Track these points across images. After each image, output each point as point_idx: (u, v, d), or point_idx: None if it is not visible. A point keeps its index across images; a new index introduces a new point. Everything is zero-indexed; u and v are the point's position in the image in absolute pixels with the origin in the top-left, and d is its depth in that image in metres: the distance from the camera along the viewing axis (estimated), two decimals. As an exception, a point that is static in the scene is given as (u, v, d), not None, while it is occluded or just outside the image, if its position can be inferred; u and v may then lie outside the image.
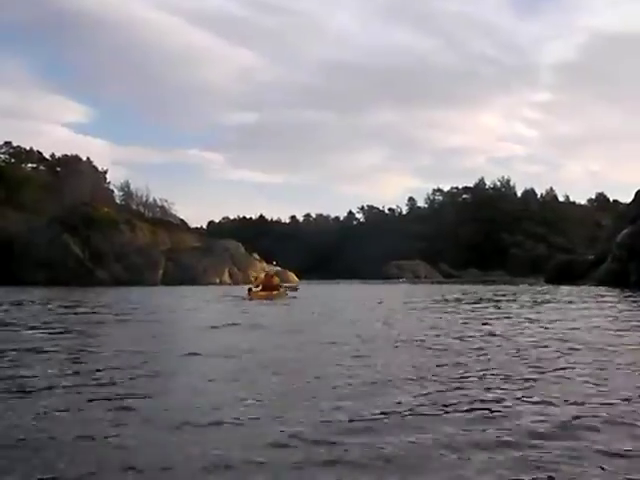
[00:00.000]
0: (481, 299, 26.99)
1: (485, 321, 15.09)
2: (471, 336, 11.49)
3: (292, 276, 74.26)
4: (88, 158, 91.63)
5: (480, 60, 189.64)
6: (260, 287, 27.87)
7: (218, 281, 63.64)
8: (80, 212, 64.78)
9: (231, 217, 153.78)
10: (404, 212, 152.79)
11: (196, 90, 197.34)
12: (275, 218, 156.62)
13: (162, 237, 67.82)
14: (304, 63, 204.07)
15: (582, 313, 17.52)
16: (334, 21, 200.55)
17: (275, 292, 27.59)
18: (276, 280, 29.01)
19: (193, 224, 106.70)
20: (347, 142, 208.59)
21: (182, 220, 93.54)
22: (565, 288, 39.50)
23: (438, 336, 11.62)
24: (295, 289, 29.81)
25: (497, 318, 15.99)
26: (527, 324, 14.23)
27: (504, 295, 30.96)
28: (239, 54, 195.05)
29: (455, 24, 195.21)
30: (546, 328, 13.09)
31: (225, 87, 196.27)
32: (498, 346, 10.04)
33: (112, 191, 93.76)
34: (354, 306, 23.29)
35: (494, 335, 11.71)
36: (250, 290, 26.86)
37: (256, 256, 74.30)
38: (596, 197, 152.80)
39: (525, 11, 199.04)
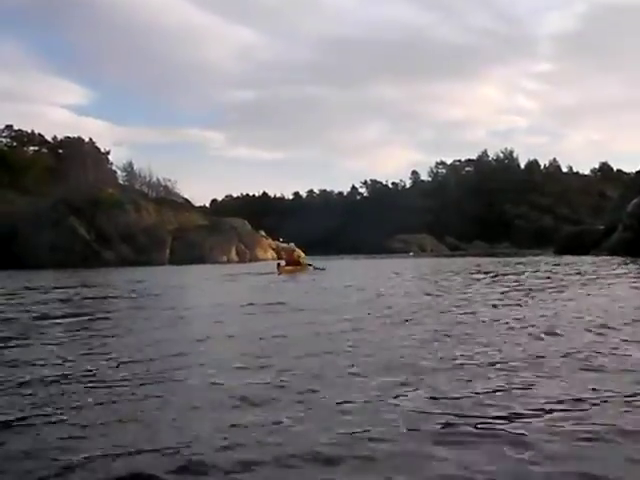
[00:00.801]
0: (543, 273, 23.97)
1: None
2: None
3: (300, 252, 74.18)
4: (90, 139, 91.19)
5: (479, 32, 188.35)
6: (284, 263, 29.27)
7: (225, 259, 63.40)
8: (85, 194, 64.51)
9: (234, 195, 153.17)
10: (408, 186, 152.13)
11: (196, 69, 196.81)
12: (278, 195, 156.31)
13: (168, 216, 67.54)
14: (303, 39, 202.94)
15: None
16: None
17: (299, 267, 28.76)
18: (297, 255, 29.86)
19: (196, 203, 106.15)
20: (348, 117, 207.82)
21: (186, 199, 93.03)
22: (587, 258, 39.14)
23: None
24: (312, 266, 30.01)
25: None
26: None
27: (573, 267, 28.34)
28: (238, 32, 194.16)
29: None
30: None
31: (225, 66, 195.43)
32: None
33: (115, 172, 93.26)
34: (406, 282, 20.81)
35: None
36: (279, 265, 28.24)
37: (262, 233, 74.12)
38: (600, 167, 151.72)
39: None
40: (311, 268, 29.16)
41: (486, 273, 24.45)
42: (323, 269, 29.40)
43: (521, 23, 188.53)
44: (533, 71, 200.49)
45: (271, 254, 69.20)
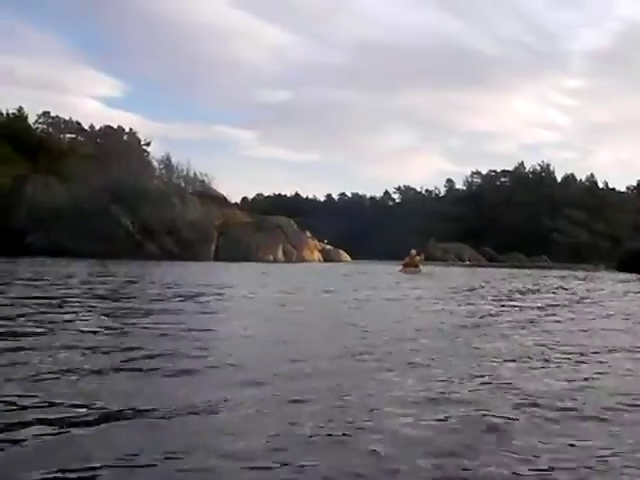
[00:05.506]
0: None
1: None
2: None
3: (344, 255, 71.94)
4: (131, 129, 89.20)
5: (511, 44, 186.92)
6: (406, 264, 34.46)
7: (272, 258, 60.92)
8: (129, 184, 62.32)
9: (265, 194, 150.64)
10: (442, 194, 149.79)
11: (228, 67, 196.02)
12: (310, 196, 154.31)
13: (214, 212, 65.17)
14: (336, 42, 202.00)
15: None
16: (366, 0, 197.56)
17: (417, 268, 33.54)
18: (417, 259, 34.92)
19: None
20: (377, 122, 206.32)
21: (224, 196, 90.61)
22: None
23: None
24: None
25: None
26: None
27: None
28: (272, 32, 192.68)
29: (488, 8, 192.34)
30: None
31: (257, 65, 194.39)
32: None
33: (152, 164, 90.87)
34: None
35: None
36: (403, 266, 34.06)
37: (308, 234, 71.58)
38: (637, 184, 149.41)
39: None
40: (422, 270, 33.60)
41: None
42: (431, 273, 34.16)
43: (554, 38, 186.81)
44: (565, 86, 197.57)
45: (317, 256, 66.76)
